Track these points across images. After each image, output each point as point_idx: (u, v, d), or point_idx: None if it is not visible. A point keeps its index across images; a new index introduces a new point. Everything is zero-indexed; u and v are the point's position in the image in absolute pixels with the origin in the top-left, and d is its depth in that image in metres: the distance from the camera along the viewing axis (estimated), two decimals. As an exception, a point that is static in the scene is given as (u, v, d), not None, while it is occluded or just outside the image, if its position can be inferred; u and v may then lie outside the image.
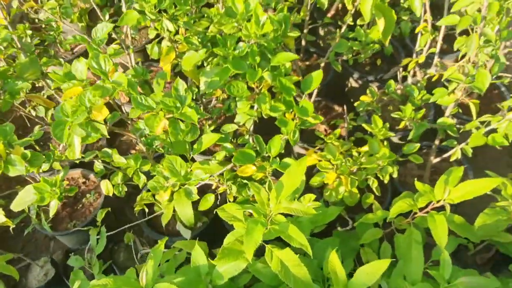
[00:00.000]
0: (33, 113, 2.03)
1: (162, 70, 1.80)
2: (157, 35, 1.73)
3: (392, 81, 1.98)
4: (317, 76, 1.49)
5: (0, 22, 1.88)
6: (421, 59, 1.80)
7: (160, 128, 1.25)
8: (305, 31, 2.05)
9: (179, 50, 1.72)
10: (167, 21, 1.61)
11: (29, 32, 1.93)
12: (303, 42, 2.13)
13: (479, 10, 1.42)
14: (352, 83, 2.47)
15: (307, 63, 2.40)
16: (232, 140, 1.70)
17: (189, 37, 1.69)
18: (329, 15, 2.51)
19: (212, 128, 2.02)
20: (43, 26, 2.33)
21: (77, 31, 2.40)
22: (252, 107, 1.62)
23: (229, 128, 1.65)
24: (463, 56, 1.67)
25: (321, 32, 2.71)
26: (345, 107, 1.82)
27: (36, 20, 2.37)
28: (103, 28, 1.37)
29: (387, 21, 1.57)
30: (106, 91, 1.17)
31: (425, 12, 1.72)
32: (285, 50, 1.72)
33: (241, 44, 1.49)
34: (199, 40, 1.77)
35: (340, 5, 2.56)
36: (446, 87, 1.71)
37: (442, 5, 1.87)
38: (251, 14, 1.47)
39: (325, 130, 2.15)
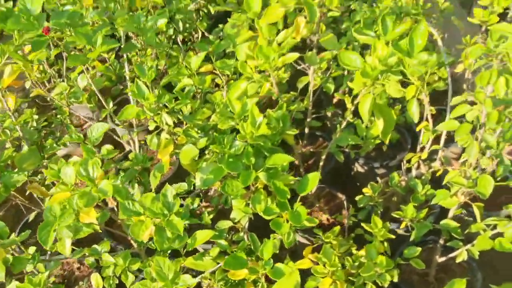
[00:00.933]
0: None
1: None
2: (157, 126, 1.74)
3: (395, 174, 1.94)
4: (313, 178, 1.46)
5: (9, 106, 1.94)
6: (424, 155, 1.77)
7: (146, 235, 1.22)
8: (308, 119, 2.05)
9: (178, 142, 1.72)
10: (166, 115, 1.63)
11: (36, 116, 1.97)
12: (307, 130, 2.12)
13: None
14: (358, 167, 2.44)
15: (312, 148, 2.39)
16: (227, 235, 1.66)
17: (188, 130, 1.70)
18: (335, 99, 2.52)
19: (212, 216, 1.99)
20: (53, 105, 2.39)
21: (87, 109, 2.45)
22: (247, 204, 1.59)
23: (224, 224, 1.62)
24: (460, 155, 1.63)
25: (329, 113, 2.71)
26: (345, 202, 1.78)
27: (48, 99, 2.44)
28: (98, 128, 1.38)
29: (386, 121, 1.55)
30: (92, 199, 1.16)
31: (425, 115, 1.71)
32: (284, 145, 1.71)
33: (237, 142, 1.49)
34: (200, 130, 1.78)
35: (347, 89, 2.57)
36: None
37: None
38: (247, 114, 1.47)
39: (327, 220, 2.10)
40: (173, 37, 2.37)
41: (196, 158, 1.66)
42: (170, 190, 1.26)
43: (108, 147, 1.42)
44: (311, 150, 2.28)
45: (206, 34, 2.43)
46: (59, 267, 2.03)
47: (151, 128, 1.73)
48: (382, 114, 1.55)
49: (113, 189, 1.19)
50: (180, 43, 2.41)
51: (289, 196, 1.43)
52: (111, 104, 1.91)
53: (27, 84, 2.32)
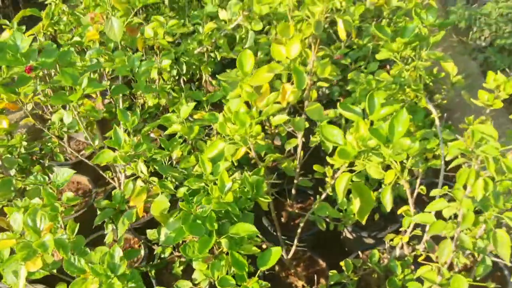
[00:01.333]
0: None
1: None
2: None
3: (376, 251, 1.85)
4: (275, 253, 1.39)
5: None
6: (405, 239, 1.68)
7: (86, 296, 1.18)
8: (295, 181, 2.00)
9: (153, 191, 1.69)
10: (142, 164, 1.60)
11: (25, 143, 1.98)
12: (294, 191, 2.07)
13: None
14: (346, 233, 2.35)
15: (301, 205, 2.32)
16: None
17: (164, 180, 1.67)
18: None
19: (182, 268, 1.93)
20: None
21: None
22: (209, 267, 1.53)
23: (185, 285, 1.56)
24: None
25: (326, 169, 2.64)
26: (315, 277, 1.70)
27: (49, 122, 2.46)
28: (64, 174, 1.36)
29: (363, 201, 1.48)
30: (32, 253, 1.13)
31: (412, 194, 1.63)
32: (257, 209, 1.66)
33: (204, 203, 1.44)
34: (178, 181, 1.75)
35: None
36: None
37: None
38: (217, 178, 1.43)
39: (303, 287, 2.01)
40: (177, 77, 2.37)
41: (166, 211, 1.62)
42: (118, 251, 1.22)
43: (69, 194, 1.40)
44: (298, 211, 2.21)
45: (210, 78, 2.42)
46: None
47: (127, 173, 1.71)
48: (360, 194, 1.48)
49: (57, 244, 1.15)
50: (182, 83, 2.42)
51: (247, 269, 1.37)
52: (97, 142, 1.90)
53: (29, 107, 2.35)
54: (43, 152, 2.16)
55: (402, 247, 1.88)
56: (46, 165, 2.13)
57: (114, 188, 2.51)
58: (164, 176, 1.70)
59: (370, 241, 2.28)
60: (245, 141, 1.50)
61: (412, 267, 1.79)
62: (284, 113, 1.83)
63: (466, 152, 1.18)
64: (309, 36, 1.49)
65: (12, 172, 2.03)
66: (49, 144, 2.13)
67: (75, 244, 1.28)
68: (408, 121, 1.28)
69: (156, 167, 1.65)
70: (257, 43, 2.47)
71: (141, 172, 1.62)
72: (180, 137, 1.93)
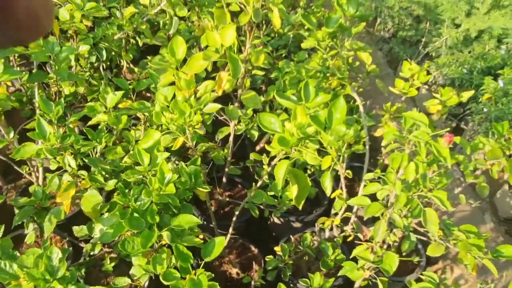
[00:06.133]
0: None
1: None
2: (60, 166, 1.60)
3: (308, 234, 1.92)
4: (219, 243, 1.39)
5: None
6: (336, 221, 1.76)
7: (21, 303, 1.08)
8: (226, 169, 1.99)
9: (81, 186, 1.59)
10: (70, 157, 1.50)
11: None
12: (225, 179, 2.06)
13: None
14: (274, 218, 2.40)
15: (230, 193, 2.33)
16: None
17: (94, 174, 1.58)
18: (258, 147, 2.49)
19: (114, 264, 1.85)
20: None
21: None
22: (149, 261, 1.48)
23: (122, 282, 1.50)
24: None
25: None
26: (254, 263, 1.72)
27: None
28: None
29: (301, 187, 1.52)
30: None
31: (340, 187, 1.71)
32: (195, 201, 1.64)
33: (143, 196, 1.39)
34: (107, 173, 1.66)
35: (271, 136, 2.55)
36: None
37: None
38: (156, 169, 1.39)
39: (237, 274, 2.03)
40: (95, 64, 2.24)
41: (99, 206, 1.53)
42: (57, 252, 1.13)
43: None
44: (228, 199, 2.22)
45: (131, 65, 2.32)
46: None
47: (52, 168, 1.59)
48: (297, 181, 1.52)
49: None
50: (102, 70, 2.29)
51: (192, 261, 1.35)
52: (11, 134, 1.74)
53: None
54: None
55: (331, 229, 1.97)
56: None
57: (27, 183, 2.33)
58: (92, 169, 1.60)
59: (297, 225, 2.36)
60: (183, 131, 1.46)
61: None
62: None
63: (399, 138, 1.26)
64: (245, 24, 1.48)
65: None
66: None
67: (2, 248, 1.17)
68: (345, 108, 1.34)
69: (86, 160, 1.55)
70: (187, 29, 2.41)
71: (69, 166, 1.51)
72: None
